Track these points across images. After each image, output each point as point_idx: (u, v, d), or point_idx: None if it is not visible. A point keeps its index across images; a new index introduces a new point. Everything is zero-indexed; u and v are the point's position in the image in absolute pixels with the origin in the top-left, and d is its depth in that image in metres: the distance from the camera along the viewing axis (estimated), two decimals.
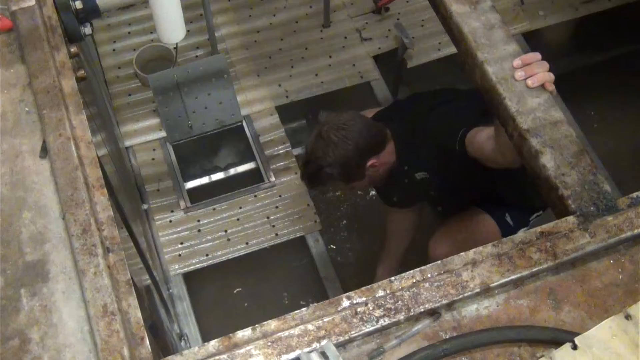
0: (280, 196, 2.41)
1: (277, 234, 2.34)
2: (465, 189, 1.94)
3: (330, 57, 2.70)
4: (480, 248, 1.05)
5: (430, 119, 1.84)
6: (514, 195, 1.94)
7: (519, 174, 1.46)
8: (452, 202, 2.08)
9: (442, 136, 1.75)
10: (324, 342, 0.95)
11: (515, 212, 2.01)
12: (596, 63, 2.95)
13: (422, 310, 0.99)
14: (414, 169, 1.92)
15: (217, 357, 0.95)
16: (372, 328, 0.98)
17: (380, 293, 1.01)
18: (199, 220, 2.36)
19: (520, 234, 1.07)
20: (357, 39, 2.75)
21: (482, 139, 1.57)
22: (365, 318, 0.98)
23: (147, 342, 0.99)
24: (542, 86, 1.23)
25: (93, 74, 1.93)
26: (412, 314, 0.99)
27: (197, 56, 2.67)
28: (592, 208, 1.09)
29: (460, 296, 1.00)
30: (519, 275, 1.02)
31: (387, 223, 2.30)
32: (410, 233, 2.29)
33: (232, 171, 2.64)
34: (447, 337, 0.99)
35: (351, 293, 1.01)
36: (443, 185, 1.93)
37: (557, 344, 0.95)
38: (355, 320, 0.98)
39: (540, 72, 1.23)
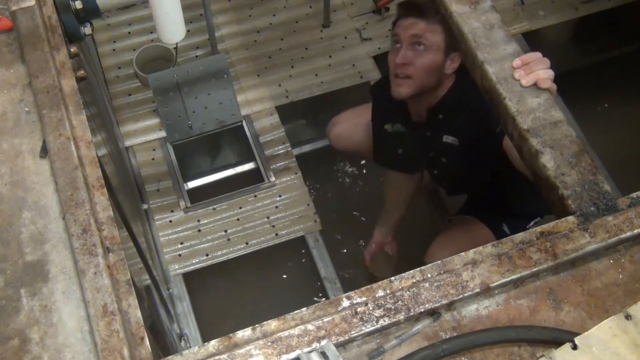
0: (280, 196, 2.41)
1: (277, 234, 2.34)
2: (478, 173, 1.89)
3: (330, 57, 2.70)
4: (480, 248, 1.05)
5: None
6: (513, 196, 1.93)
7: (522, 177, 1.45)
8: (457, 181, 2.03)
9: (489, 115, 1.70)
10: (324, 342, 0.95)
11: (512, 221, 2.01)
12: (596, 63, 2.95)
13: (422, 310, 0.99)
14: (445, 126, 1.85)
15: (217, 357, 0.95)
16: (372, 328, 0.97)
17: (380, 293, 1.01)
18: (199, 220, 2.36)
19: (520, 234, 1.07)
20: (357, 39, 2.75)
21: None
22: (365, 318, 0.98)
23: (147, 342, 0.99)
24: (537, 84, 1.23)
25: (93, 74, 1.93)
26: (412, 314, 0.99)
27: (197, 56, 2.67)
28: (592, 208, 1.09)
29: (460, 296, 1.00)
30: (519, 275, 1.02)
31: (387, 189, 2.32)
32: (409, 200, 2.31)
33: (232, 171, 2.64)
34: (447, 337, 0.99)
35: (351, 293, 1.01)
36: (461, 159, 1.86)
37: (557, 344, 0.95)
38: (355, 320, 0.98)
39: (536, 70, 1.23)
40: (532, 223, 2.02)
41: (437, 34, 1.73)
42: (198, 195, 2.47)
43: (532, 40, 2.68)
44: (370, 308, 0.99)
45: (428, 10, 1.72)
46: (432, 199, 2.59)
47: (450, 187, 2.16)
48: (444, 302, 1.00)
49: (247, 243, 2.33)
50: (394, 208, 2.34)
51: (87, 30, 1.43)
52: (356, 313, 0.98)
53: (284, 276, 2.47)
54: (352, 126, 2.28)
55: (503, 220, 2.01)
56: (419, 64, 1.75)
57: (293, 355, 0.94)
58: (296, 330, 0.96)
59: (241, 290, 2.44)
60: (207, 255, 2.30)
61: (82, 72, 1.32)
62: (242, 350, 0.95)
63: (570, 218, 1.08)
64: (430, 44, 1.73)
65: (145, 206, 2.38)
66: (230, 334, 0.98)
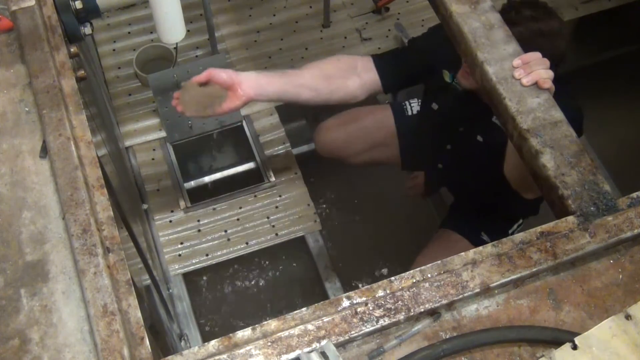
0: (280, 196, 2.41)
1: (277, 234, 2.34)
2: (496, 164, 1.70)
3: None
4: (480, 248, 1.05)
5: None
6: (499, 198, 1.84)
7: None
8: (469, 164, 1.92)
9: None
10: (324, 342, 0.95)
11: (491, 228, 1.99)
12: (596, 63, 2.95)
13: (422, 310, 0.99)
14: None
15: (217, 357, 0.95)
16: (372, 328, 0.97)
17: (380, 293, 1.01)
18: (199, 220, 2.36)
19: (521, 234, 1.07)
20: (357, 39, 2.75)
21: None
22: (365, 318, 0.98)
23: (147, 342, 0.99)
24: (537, 84, 1.23)
25: (93, 74, 1.93)
26: (412, 314, 0.99)
27: (197, 56, 2.67)
28: (592, 208, 1.09)
29: (460, 296, 1.00)
30: (519, 275, 1.02)
31: (328, 62, 1.76)
32: (329, 92, 1.70)
33: (232, 171, 2.63)
34: (447, 337, 0.99)
35: (351, 293, 1.01)
36: (496, 141, 1.68)
37: (557, 344, 0.95)
38: (355, 320, 0.98)
39: (537, 70, 1.23)
40: (515, 226, 2.01)
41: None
42: (198, 195, 2.47)
43: None
44: (370, 308, 0.99)
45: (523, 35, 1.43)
46: (432, 202, 2.59)
47: (446, 173, 2.07)
48: (444, 302, 1.00)
49: (247, 243, 2.33)
50: (311, 81, 1.67)
51: (87, 30, 1.43)
52: (356, 313, 0.98)
53: (284, 276, 2.47)
54: (337, 132, 2.22)
55: (482, 230, 2.00)
56: None
57: (293, 355, 0.94)
58: (296, 330, 0.96)
59: (241, 290, 2.44)
60: (207, 255, 2.30)
61: (82, 72, 1.31)
62: (242, 350, 0.95)
63: (570, 218, 1.08)
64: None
65: (145, 206, 2.38)
66: (230, 334, 0.98)
